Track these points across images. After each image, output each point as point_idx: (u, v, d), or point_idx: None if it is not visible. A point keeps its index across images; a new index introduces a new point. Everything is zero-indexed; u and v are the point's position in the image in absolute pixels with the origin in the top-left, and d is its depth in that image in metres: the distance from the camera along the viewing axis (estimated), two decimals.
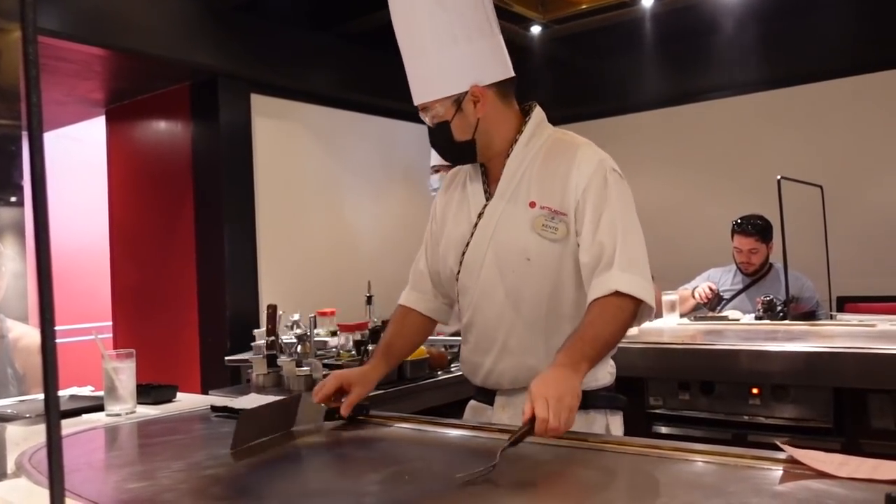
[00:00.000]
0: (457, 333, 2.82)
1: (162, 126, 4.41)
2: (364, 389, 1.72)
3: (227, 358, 3.32)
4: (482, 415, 1.83)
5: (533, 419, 1.34)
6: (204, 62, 3.89)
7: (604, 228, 1.64)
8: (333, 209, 4.68)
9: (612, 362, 1.82)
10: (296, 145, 4.50)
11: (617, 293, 1.58)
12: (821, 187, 4.12)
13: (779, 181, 3.63)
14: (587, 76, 5.49)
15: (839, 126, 4.69)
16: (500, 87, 1.75)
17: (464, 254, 1.78)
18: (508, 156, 1.76)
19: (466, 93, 1.70)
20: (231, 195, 4.06)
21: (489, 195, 1.78)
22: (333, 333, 3.24)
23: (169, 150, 4.32)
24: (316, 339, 2.87)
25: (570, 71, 5.44)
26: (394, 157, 5.06)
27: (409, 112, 4.90)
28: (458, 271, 1.79)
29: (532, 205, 1.71)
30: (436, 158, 3.72)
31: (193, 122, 4.17)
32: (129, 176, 4.64)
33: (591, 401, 1.69)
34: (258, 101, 4.25)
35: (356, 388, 1.70)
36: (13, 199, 3.70)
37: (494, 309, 1.73)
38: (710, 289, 4.09)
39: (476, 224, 1.77)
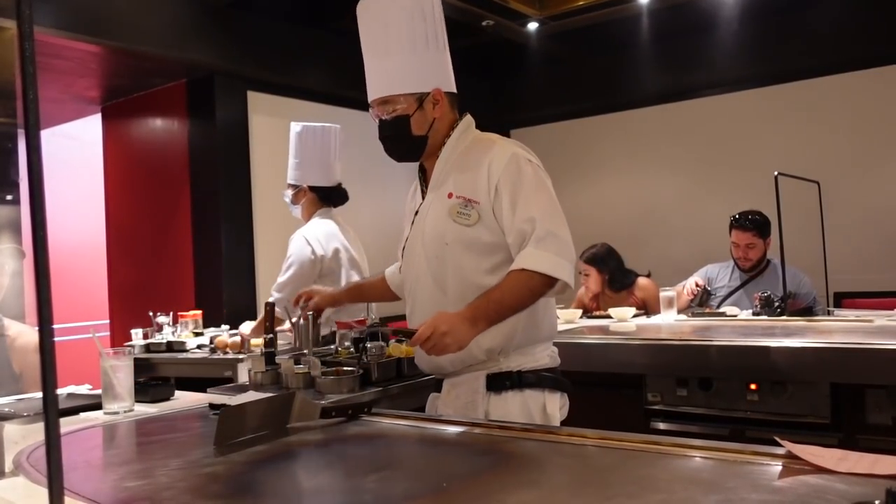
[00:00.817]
0: None
1: (158, 123, 4.40)
2: (321, 300, 2.37)
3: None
4: (433, 404, 2.03)
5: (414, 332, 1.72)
6: (200, 59, 3.89)
7: (521, 212, 1.81)
8: None
9: (553, 347, 2.02)
10: None
11: (524, 269, 1.77)
12: (818, 183, 4.12)
13: (776, 177, 3.63)
14: (583, 73, 5.49)
15: (836, 122, 4.70)
16: (452, 97, 1.98)
17: (404, 248, 2.03)
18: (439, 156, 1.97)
19: (429, 94, 1.92)
20: (228, 192, 4.05)
21: (424, 194, 2.01)
22: (197, 334, 3.41)
23: (165, 148, 4.31)
24: (176, 338, 3.01)
25: (566, 67, 5.44)
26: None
27: None
28: (401, 266, 2.07)
29: (450, 195, 1.90)
30: None
31: (190, 119, 4.17)
32: (125, 174, 4.63)
33: (528, 382, 1.91)
34: (255, 99, 4.25)
35: (315, 295, 2.35)
36: (9, 197, 3.69)
37: (425, 294, 1.94)
38: (697, 284, 4.10)
39: (413, 221, 2.01)
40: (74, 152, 5.80)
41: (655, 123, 5.36)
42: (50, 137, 5.39)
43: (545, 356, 1.97)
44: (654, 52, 5.16)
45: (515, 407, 1.88)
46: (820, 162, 4.56)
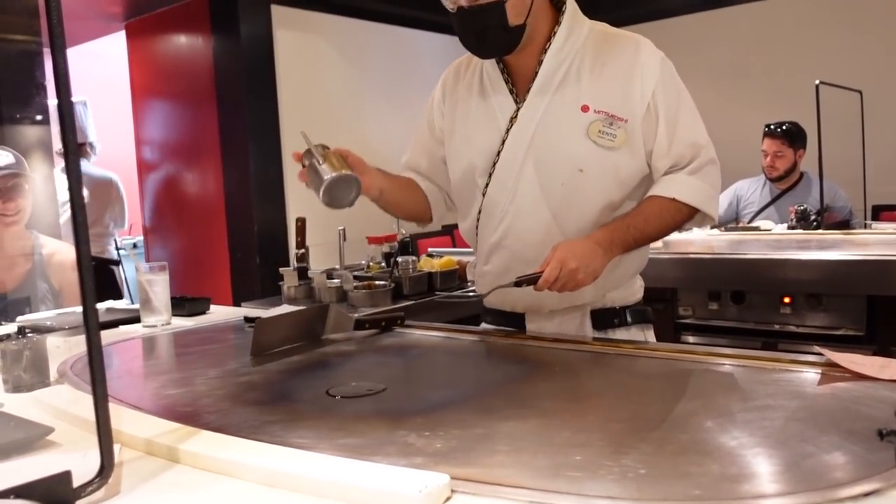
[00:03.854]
0: None
1: (182, 40, 4.34)
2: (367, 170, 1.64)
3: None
4: None
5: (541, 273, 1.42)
6: None
7: (682, 136, 1.55)
8: (358, 121, 4.62)
9: (640, 279, 1.74)
10: (318, 57, 4.42)
11: (675, 199, 1.54)
12: (860, 92, 3.98)
13: (817, 86, 3.51)
14: None
15: (879, 28, 4.50)
16: None
17: (494, 164, 1.60)
18: (545, 51, 1.58)
19: None
20: (254, 108, 4.02)
21: (517, 97, 1.61)
22: None
23: (190, 64, 4.26)
24: None
25: None
26: (417, 68, 4.95)
27: (432, 22, 4.81)
28: (487, 184, 1.62)
29: (585, 109, 1.54)
30: None
31: (214, 34, 4.10)
32: (152, 92, 4.61)
33: (633, 318, 1.68)
34: (278, 13, 4.16)
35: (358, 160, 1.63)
36: (38, 117, 3.68)
37: (537, 229, 1.58)
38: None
39: (508, 130, 1.59)
40: (100, 70, 5.77)
41: (690, 33, 5.17)
42: (75, 57, 5.35)
43: (640, 289, 1.73)
44: None
45: None
46: (863, 70, 4.38)
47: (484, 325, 1.79)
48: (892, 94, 4.41)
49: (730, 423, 0.98)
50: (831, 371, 1.16)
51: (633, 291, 1.70)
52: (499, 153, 1.60)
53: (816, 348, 1.23)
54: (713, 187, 1.58)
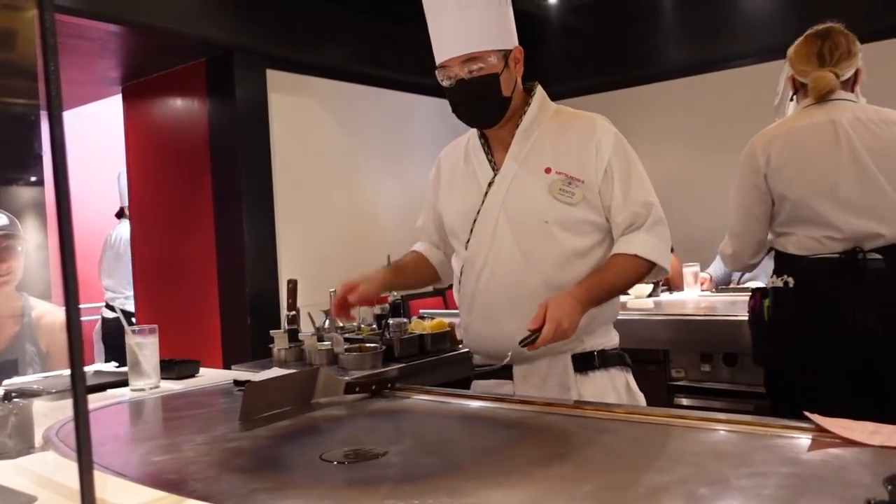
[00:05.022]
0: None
1: (178, 103, 4.40)
2: (370, 286, 1.91)
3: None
4: (500, 390, 1.84)
5: (537, 330, 1.59)
6: (219, 37, 3.87)
7: (635, 195, 1.78)
8: (351, 184, 4.67)
9: (615, 330, 1.94)
10: (312, 120, 4.48)
11: (636, 255, 1.76)
12: None
13: None
14: (605, 46, 5.41)
15: (872, 92, 4.60)
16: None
17: (475, 221, 1.84)
18: (518, 125, 1.83)
19: (512, 51, 1.79)
20: (248, 171, 4.06)
21: (495, 165, 1.86)
22: None
23: (186, 127, 4.31)
24: None
25: (587, 41, 5.37)
26: (411, 131, 5.03)
27: (424, 85, 4.90)
28: (468, 239, 1.85)
29: (548, 170, 1.79)
30: None
31: (210, 98, 4.16)
32: (146, 153, 4.65)
33: (611, 361, 1.86)
34: (274, 77, 4.23)
35: (362, 284, 1.89)
36: (33, 178, 3.71)
37: (510, 270, 1.79)
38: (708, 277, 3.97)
39: (486, 192, 1.83)
40: (96, 133, 5.82)
41: (678, 97, 5.28)
42: (72, 119, 5.41)
43: (615, 334, 1.93)
44: (676, 24, 5.06)
45: (604, 386, 1.81)
46: None
47: (474, 383, 1.94)
48: None
49: (724, 490, 0.98)
50: (822, 437, 1.16)
51: (610, 338, 1.90)
52: (478, 211, 1.84)
53: (806, 413, 1.22)
54: (665, 243, 1.82)
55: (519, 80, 1.83)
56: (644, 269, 1.79)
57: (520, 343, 1.62)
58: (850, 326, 2.15)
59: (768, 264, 2.47)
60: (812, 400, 2.19)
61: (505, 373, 1.84)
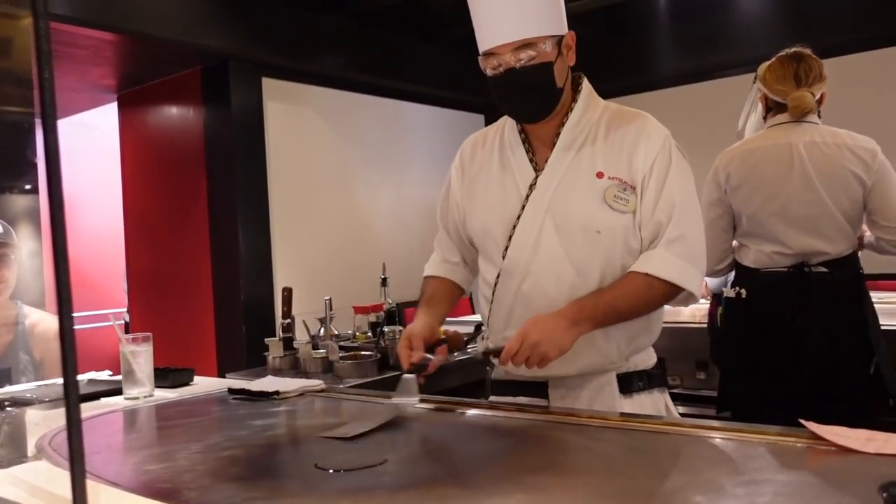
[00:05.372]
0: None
1: (174, 111, 4.40)
2: (421, 338, 1.62)
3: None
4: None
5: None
6: (215, 45, 3.88)
7: (662, 205, 1.58)
8: (347, 192, 4.67)
9: (651, 346, 1.75)
10: (308, 128, 4.49)
11: (647, 273, 1.55)
12: None
13: None
14: (600, 55, 5.43)
15: (864, 101, 4.62)
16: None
17: (514, 228, 1.64)
18: (563, 123, 1.65)
19: (564, 37, 1.61)
20: (244, 179, 4.06)
21: (536, 165, 1.67)
22: None
23: (181, 135, 4.31)
24: None
25: (582, 49, 5.38)
26: (406, 140, 5.04)
27: (420, 94, 4.91)
28: (507, 247, 1.65)
29: (600, 175, 1.61)
30: None
31: (205, 106, 4.16)
32: (142, 162, 4.64)
33: (653, 381, 1.69)
34: (269, 85, 4.23)
35: (413, 340, 1.61)
36: (27, 186, 3.70)
37: (558, 282, 1.60)
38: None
39: (527, 196, 1.64)
40: (91, 142, 5.82)
41: (675, 105, 5.30)
42: (67, 127, 5.41)
43: (654, 354, 1.75)
44: (671, 33, 5.09)
45: (646, 410, 1.65)
46: None
47: (492, 398, 1.75)
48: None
49: (719, 498, 0.97)
50: (817, 444, 1.16)
51: (650, 356, 1.73)
52: (518, 216, 1.64)
53: (801, 421, 1.22)
54: (686, 260, 1.57)
55: (571, 66, 1.66)
56: (662, 293, 1.57)
57: (482, 354, 1.50)
58: (790, 331, 2.36)
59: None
60: (758, 398, 2.39)
61: (539, 391, 1.67)
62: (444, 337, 1.67)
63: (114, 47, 3.79)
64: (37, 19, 0.70)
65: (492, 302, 1.71)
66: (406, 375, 1.57)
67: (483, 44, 1.59)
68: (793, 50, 2.51)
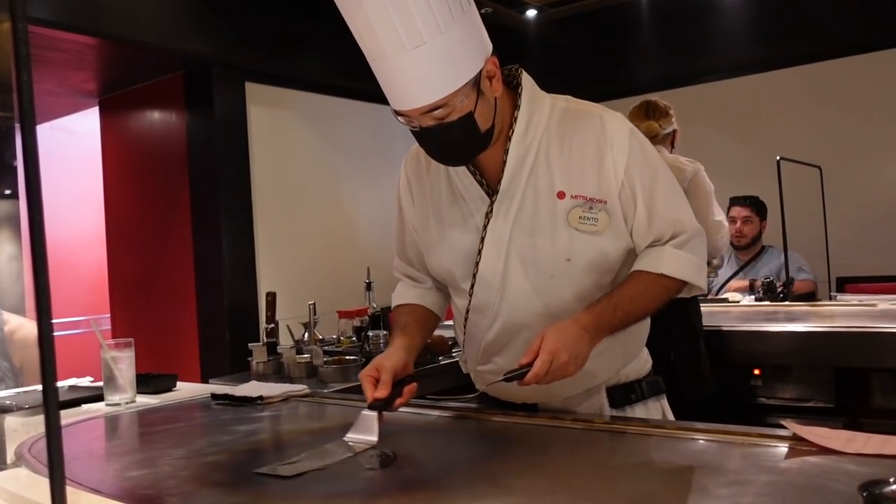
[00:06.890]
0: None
1: (156, 116, 4.37)
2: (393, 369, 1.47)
3: None
4: None
5: (528, 365, 1.32)
6: (198, 50, 3.86)
7: (659, 221, 1.47)
8: (331, 196, 4.66)
9: (646, 349, 1.68)
10: (291, 133, 4.47)
11: (662, 274, 1.46)
12: (819, 168, 4.11)
13: (778, 162, 3.62)
14: (582, 60, 5.46)
15: (838, 106, 4.67)
16: (495, 55, 1.43)
17: (477, 264, 1.51)
18: (509, 139, 1.47)
19: (481, 70, 1.38)
20: (227, 184, 4.03)
21: (489, 189, 1.51)
22: None
23: (164, 140, 4.29)
24: None
25: (565, 55, 5.41)
26: (391, 145, 5.03)
27: None
28: (473, 285, 1.53)
29: (561, 195, 1.45)
30: None
31: (188, 111, 4.14)
32: (124, 167, 4.61)
33: (648, 391, 1.62)
34: (253, 90, 4.22)
35: (382, 373, 1.47)
36: (7, 191, 3.67)
37: (528, 319, 1.50)
38: None
39: (485, 227, 1.49)
40: (73, 146, 5.77)
41: None
42: (48, 132, 5.36)
43: (648, 359, 1.66)
44: (653, 39, 5.12)
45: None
46: (822, 147, 4.53)
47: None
48: (851, 169, 4.56)
49: (702, 499, 0.98)
50: (799, 445, 1.17)
51: (644, 362, 1.64)
52: (480, 251, 1.51)
53: (782, 422, 1.23)
54: (701, 258, 1.51)
55: (498, 96, 1.44)
56: (670, 291, 1.49)
57: (503, 377, 1.35)
58: None
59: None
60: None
61: (528, 410, 1.59)
62: (413, 374, 1.54)
63: (95, 52, 3.76)
64: (15, 22, 0.70)
65: (464, 331, 1.62)
66: (366, 411, 1.40)
67: (391, 102, 1.43)
68: (643, 100, 3.26)
